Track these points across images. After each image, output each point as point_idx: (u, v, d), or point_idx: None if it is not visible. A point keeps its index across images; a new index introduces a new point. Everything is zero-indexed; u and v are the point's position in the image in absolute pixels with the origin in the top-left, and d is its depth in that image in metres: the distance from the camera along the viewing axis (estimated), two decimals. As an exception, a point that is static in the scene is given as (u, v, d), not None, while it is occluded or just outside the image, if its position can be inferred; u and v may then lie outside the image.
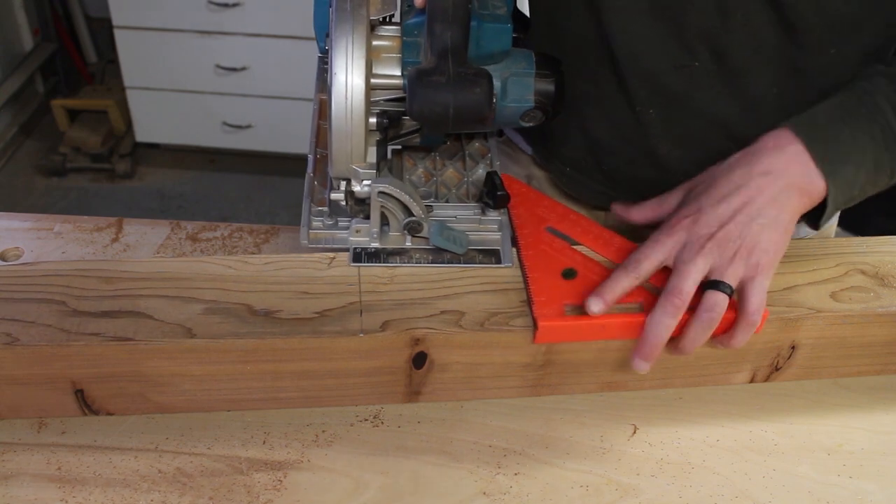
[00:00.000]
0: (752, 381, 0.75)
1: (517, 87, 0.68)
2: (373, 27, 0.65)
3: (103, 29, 2.91)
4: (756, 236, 0.64)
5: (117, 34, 2.58)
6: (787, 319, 0.70)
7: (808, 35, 0.70)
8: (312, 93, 0.84)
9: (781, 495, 0.66)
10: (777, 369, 0.74)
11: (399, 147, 0.78)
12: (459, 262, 0.70)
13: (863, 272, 0.75)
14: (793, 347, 0.72)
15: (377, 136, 0.68)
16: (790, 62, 0.73)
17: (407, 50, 0.66)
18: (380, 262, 0.70)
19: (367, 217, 0.70)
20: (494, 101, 0.64)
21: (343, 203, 0.69)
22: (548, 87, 0.68)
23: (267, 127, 2.74)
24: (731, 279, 0.63)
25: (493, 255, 0.71)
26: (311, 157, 0.78)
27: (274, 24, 2.53)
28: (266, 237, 0.88)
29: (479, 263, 0.71)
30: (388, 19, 0.67)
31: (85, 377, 0.65)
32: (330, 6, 0.65)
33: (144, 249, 0.85)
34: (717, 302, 0.63)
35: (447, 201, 0.74)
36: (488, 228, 0.73)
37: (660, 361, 0.71)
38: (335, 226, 0.72)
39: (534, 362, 0.69)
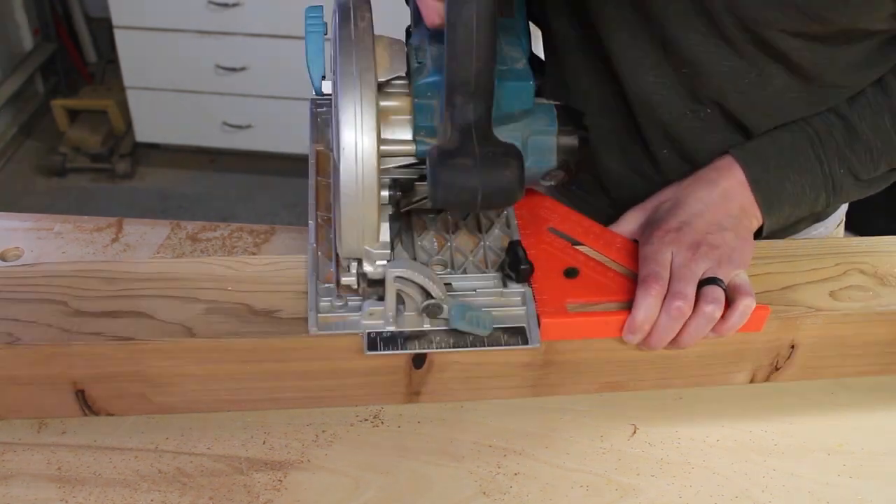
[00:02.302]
0: (752, 381, 0.75)
1: (539, 146, 0.63)
2: (380, 86, 0.59)
3: (103, 29, 2.90)
4: (732, 243, 0.69)
5: (117, 34, 2.58)
6: (787, 318, 0.70)
7: (821, 81, 0.72)
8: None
9: (781, 495, 0.66)
10: (777, 369, 0.74)
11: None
12: (483, 345, 0.65)
13: (862, 271, 0.75)
14: (792, 347, 0.72)
15: (389, 210, 0.61)
16: (802, 101, 0.74)
17: (419, 113, 0.60)
18: (398, 349, 0.64)
19: (381, 298, 0.63)
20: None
21: (355, 286, 0.64)
22: (571, 143, 0.63)
23: (267, 127, 2.74)
24: (724, 277, 0.66)
25: (518, 334, 0.65)
26: (311, 223, 0.70)
27: (274, 24, 2.53)
28: (266, 237, 0.88)
29: (505, 345, 0.65)
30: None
31: (85, 377, 0.65)
32: (334, 72, 0.59)
33: (144, 249, 0.85)
34: (717, 296, 0.64)
35: (464, 270, 0.68)
36: (511, 302, 0.66)
37: (660, 361, 0.71)
38: (345, 307, 0.65)
39: (534, 362, 0.69)
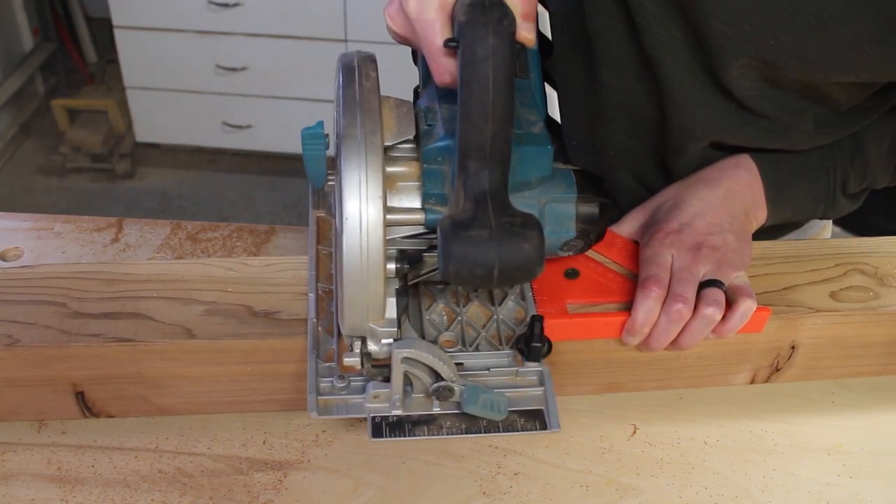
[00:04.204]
0: (752, 381, 0.75)
1: (557, 215, 0.59)
2: (386, 150, 0.55)
3: (103, 29, 2.91)
4: (733, 245, 0.68)
5: (117, 34, 2.58)
6: (787, 319, 0.70)
7: (848, 104, 0.72)
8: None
9: (781, 495, 0.66)
10: (777, 370, 0.74)
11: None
12: (498, 430, 0.60)
13: (862, 272, 0.75)
14: (793, 347, 0.72)
15: (396, 285, 0.56)
16: (832, 132, 0.74)
17: (429, 179, 0.56)
18: (405, 436, 0.59)
19: (387, 379, 0.59)
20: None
21: (359, 367, 0.59)
22: (591, 211, 0.59)
23: (267, 127, 2.74)
24: (724, 279, 0.65)
25: (536, 418, 0.61)
26: (311, 295, 0.66)
27: (274, 24, 2.53)
28: (266, 237, 0.88)
29: (522, 430, 0.60)
30: None
31: (85, 379, 0.65)
32: (336, 135, 0.56)
33: (144, 249, 0.85)
34: (718, 298, 0.64)
35: (477, 347, 0.64)
36: (528, 382, 0.62)
37: (660, 363, 0.71)
38: (348, 388, 0.60)
39: (534, 363, 0.69)
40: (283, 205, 2.72)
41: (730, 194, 0.72)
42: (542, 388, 0.62)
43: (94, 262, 0.70)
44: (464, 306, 0.67)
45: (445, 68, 0.55)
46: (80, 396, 0.66)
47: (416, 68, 0.67)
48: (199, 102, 2.71)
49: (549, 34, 0.63)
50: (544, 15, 0.62)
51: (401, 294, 0.57)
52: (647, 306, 0.64)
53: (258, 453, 0.67)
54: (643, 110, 0.76)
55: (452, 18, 0.54)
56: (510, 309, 0.67)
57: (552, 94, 0.63)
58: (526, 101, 0.61)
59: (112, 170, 2.81)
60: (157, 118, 2.77)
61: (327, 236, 0.71)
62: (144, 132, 2.81)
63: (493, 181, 0.52)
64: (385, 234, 0.52)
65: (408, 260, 0.57)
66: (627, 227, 0.74)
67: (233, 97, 2.69)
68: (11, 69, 2.85)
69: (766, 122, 0.72)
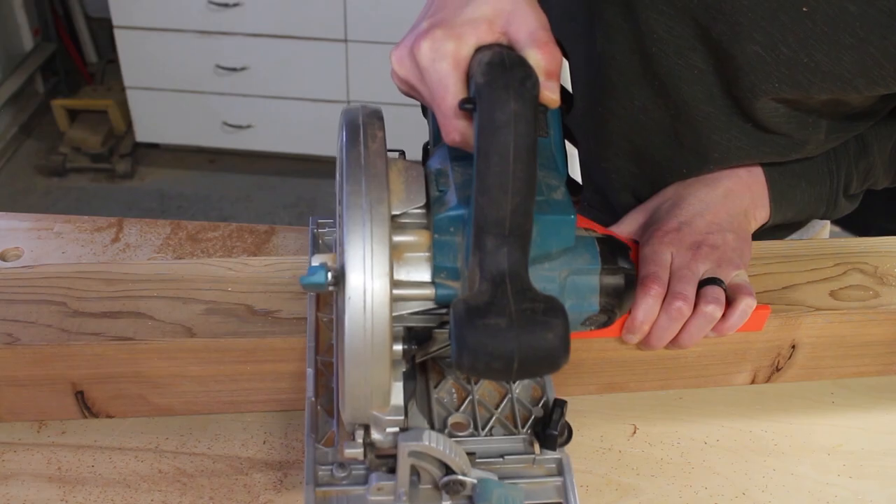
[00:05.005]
0: (753, 381, 0.75)
1: (579, 288, 0.54)
2: (393, 217, 0.51)
3: (103, 29, 2.91)
4: (732, 244, 0.69)
5: (117, 34, 2.58)
6: (787, 318, 0.70)
7: (860, 109, 0.73)
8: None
9: (781, 495, 0.66)
10: (778, 369, 0.74)
11: None
12: None
13: (862, 271, 0.75)
14: (793, 347, 0.72)
15: (403, 367, 0.52)
16: (837, 128, 0.74)
17: (440, 251, 0.51)
18: None
19: (392, 470, 0.53)
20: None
21: (361, 457, 0.52)
22: (616, 283, 0.54)
23: (267, 127, 2.74)
24: (724, 277, 0.66)
25: None
26: (310, 370, 0.59)
27: (274, 24, 2.53)
28: (266, 237, 0.88)
29: None
30: None
31: (85, 378, 0.65)
32: (338, 202, 0.51)
33: (144, 249, 0.85)
34: (717, 296, 0.64)
35: (490, 430, 0.58)
36: (545, 471, 0.56)
37: (661, 362, 0.71)
38: (349, 477, 0.54)
39: (534, 363, 0.69)
40: (283, 205, 2.72)
41: (729, 194, 0.73)
42: (561, 479, 0.56)
43: (94, 262, 0.70)
44: (475, 383, 0.61)
45: (457, 129, 0.50)
46: (80, 396, 0.66)
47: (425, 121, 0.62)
48: (199, 102, 2.71)
49: (569, 86, 0.57)
50: (564, 66, 0.56)
51: (408, 377, 0.52)
52: (647, 304, 0.64)
53: (258, 453, 0.67)
54: (647, 138, 0.76)
55: (468, 75, 0.50)
56: (526, 387, 0.61)
57: (573, 152, 0.58)
58: (546, 162, 0.55)
59: (112, 170, 2.82)
60: (157, 118, 2.77)
61: (328, 301, 0.66)
62: (144, 132, 2.81)
63: (513, 260, 0.47)
64: (392, 313, 0.47)
65: (416, 339, 0.52)
66: (627, 226, 0.74)
67: (233, 97, 2.69)
68: (11, 69, 2.85)
69: (782, 139, 0.72)
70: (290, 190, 2.77)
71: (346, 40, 2.51)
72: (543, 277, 0.52)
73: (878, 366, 0.76)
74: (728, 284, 0.66)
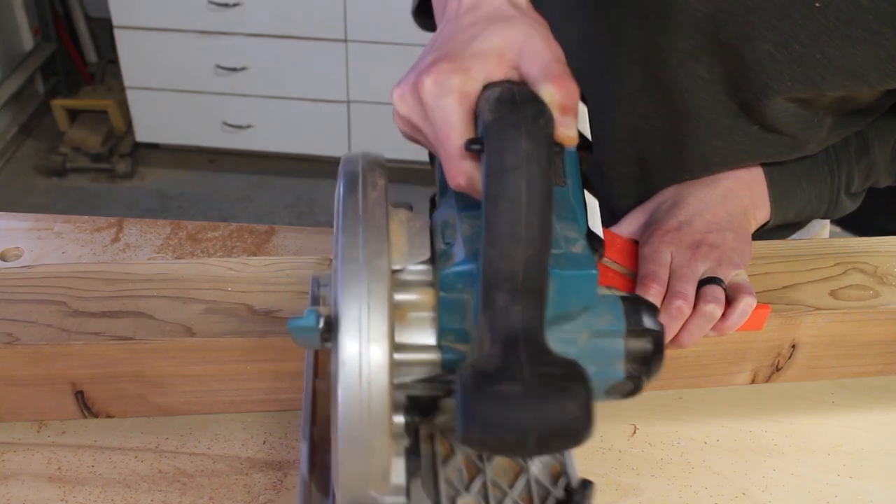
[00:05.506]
0: (753, 381, 0.75)
1: (602, 353, 0.47)
2: (394, 273, 0.45)
3: (103, 29, 2.91)
4: (732, 243, 0.69)
5: (117, 34, 2.58)
6: (787, 317, 0.70)
7: (863, 104, 0.72)
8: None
9: (781, 495, 0.66)
10: (778, 369, 0.74)
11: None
12: None
13: (862, 271, 0.75)
14: (793, 346, 0.72)
15: (405, 442, 0.46)
16: (838, 124, 0.74)
17: (447, 311, 0.45)
18: None
19: None
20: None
21: None
22: (644, 347, 0.47)
23: (267, 127, 2.74)
24: (724, 277, 0.66)
25: None
26: (304, 444, 0.52)
27: (274, 24, 2.53)
28: (266, 237, 0.88)
29: None
30: None
31: (85, 378, 0.65)
32: (334, 255, 0.46)
33: (144, 249, 0.85)
34: (717, 295, 0.64)
35: None
36: None
37: (660, 361, 0.71)
38: None
39: (534, 363, 0.68)
40: (283, 205, 2.72)
41: (729, 193, 0.73)
42: None
43: (94, 262, 0.70)
44: (488, 459, 0.53)
45: (463, 171, 0.45)
46: (80, 396, 0.66)
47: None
48: (199, 102, 2.71)
49: (588, 132, 0.53)
50: (583, 110, 0.52)
51: (410, 453, 0.47)
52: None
53: (258, 453, 0.67)
54: (648, 145, 0.76)
55: (475, 113, 0.45)
56: (545, 464, 0.53)
57: (593, 204, 0.53)
58: (563, 213, 0.50)
59: (112, 170, 2.82)
60: (157, 118, 2.77)
61: (327, 367, 0.58)
62: (144, 132, 2.81)
63: (527, 319, 0.41)
64: (392, 381, 0.42)
65: (419, 410, 0.46)
66: (627, 226, 0.74)
67: (233, 97, 2.69)
68: (11, 69, 2.85)
69: (785, 139, 0.72)
70: (289, 190, 2.77)
71: (346, 40, 2.51)
72: (562, 339, 0.46)
73: (878, 366, 0.76)
74: (728, 284, 0.66)
